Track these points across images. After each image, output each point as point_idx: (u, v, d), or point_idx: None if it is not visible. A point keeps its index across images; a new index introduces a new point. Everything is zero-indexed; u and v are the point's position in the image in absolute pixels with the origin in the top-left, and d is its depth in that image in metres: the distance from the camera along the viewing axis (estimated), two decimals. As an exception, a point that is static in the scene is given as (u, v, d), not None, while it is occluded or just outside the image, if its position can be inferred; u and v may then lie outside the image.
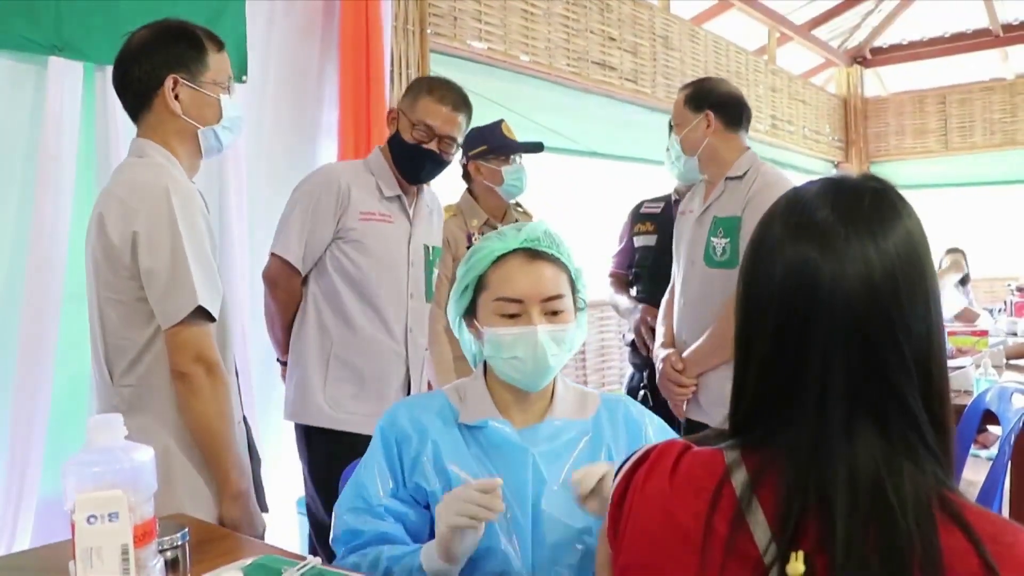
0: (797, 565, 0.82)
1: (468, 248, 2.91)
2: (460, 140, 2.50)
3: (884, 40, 8.48)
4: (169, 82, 1.79)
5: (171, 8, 2.07)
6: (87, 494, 0.92)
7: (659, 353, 2.75)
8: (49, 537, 2.23)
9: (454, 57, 3.88)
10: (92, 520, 0.91)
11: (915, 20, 8.04)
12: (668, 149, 2.74)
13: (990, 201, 7.83)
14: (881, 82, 8.89)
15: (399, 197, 2.47)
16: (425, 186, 2.58)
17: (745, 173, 2.57)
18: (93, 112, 2.48)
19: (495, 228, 2.92)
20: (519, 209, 3.17)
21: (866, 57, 8.59)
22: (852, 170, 8.41)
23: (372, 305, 2.41)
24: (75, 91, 2.41)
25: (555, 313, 1.46)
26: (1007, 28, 7.75)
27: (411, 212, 2.51)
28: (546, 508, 1.40)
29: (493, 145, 2.96)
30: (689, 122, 2.63)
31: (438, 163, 2.46)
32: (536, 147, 3.04)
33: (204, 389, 1.70)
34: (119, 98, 1.88)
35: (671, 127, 2.73)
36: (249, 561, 1.17)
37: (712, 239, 2.56)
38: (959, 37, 8.05)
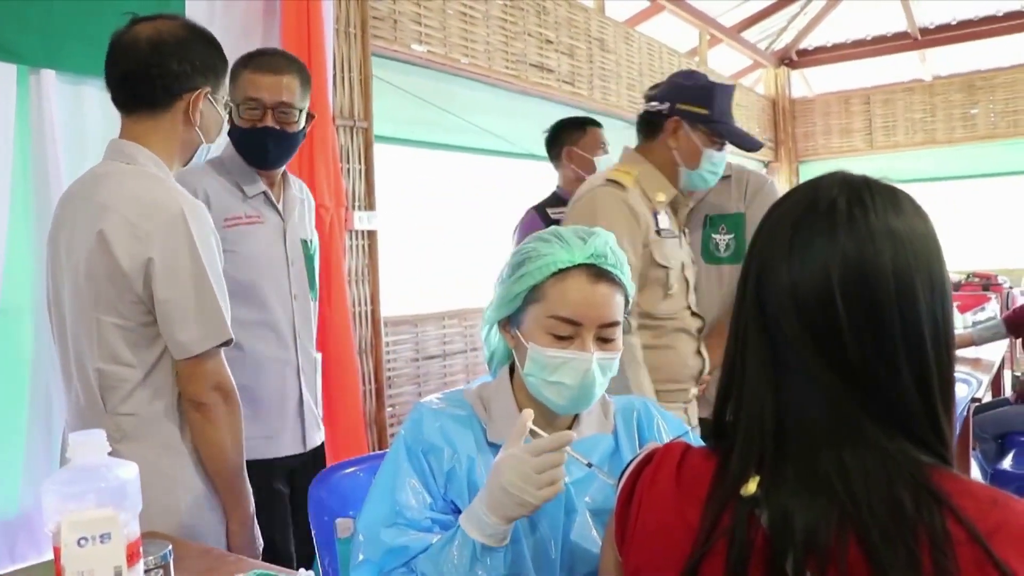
0: None
1: (657, 232, 2.30)
2: (302, 106, 2.19)
3: (809, 42, 8.70)
4: (202, 93, 1.70)
5: (110, 7, 1.96)
6: (77, 514, 0.86)
7: None
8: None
9: (395, 60, 3.84)
10: (83, 542, 0.86)
11: (839, 23, 8.26)
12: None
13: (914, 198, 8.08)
14: (807, 83, 9.10)
15: (264, 193, 2.21)
16: (291, 175, 2.33)
17: (729, 174, 2.58)
18: (28, 116, 2.36)
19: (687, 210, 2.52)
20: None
21: (792, 59, 8.79)
22: (783, 169, 8.60)
23: (258, 318, 2.16)
24: (8, 94, 2.29)
25: (608, 340, 1.34)
26: (924, 32, 8.02)
27: (281, 207, 2.25)
28: (575, 539, 1.31)
29: (714, 114, 2.28)
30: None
31: (282, 138, 2.16)
32: (754, 144, 2.40)
33: (221, 418, 1.64)
34: (121, 82, 1.70)
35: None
36: (238, 578, 1.13)
37: (713, 236, 2.57)
38: (880, 40, 8.30)
